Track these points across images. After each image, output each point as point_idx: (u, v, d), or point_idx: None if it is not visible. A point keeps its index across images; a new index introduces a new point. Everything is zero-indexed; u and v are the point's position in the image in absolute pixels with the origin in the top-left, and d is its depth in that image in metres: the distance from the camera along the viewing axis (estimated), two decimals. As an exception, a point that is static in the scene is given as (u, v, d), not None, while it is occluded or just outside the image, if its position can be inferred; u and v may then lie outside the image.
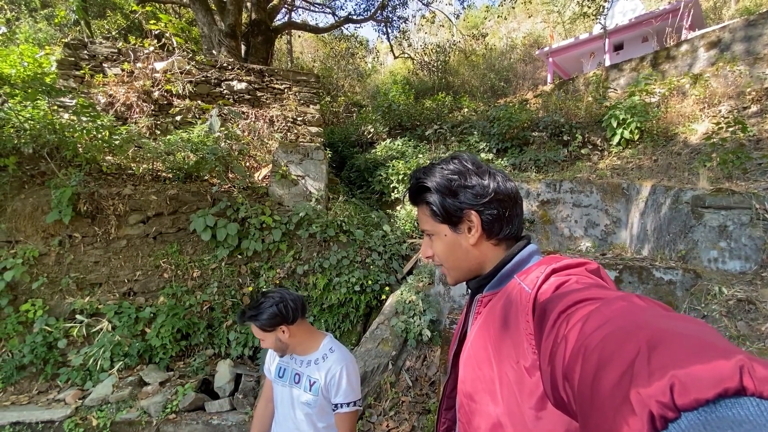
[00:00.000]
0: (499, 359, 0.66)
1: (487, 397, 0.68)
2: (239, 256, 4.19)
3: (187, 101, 5.67)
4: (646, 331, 0.37)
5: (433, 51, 13.71)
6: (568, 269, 0.64)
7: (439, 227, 0.79)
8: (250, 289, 4.07)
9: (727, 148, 4.38)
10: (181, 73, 5.71)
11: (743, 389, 0.29)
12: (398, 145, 7.59)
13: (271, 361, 1.62)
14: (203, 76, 5.92)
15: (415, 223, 5.66)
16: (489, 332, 0.70)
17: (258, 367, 3.73)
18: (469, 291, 0.86)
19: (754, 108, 5.31)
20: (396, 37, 12.61)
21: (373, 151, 7.79)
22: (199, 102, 5.79)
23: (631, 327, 0.40)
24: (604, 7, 10.89)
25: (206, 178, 4.72)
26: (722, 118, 5.08)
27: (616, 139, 6.02)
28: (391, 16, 11.86)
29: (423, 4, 12.36)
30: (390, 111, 8.71)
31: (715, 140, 4.54)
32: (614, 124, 5.99)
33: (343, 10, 12.36)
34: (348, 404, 1.41)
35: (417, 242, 5.15)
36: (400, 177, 6.37)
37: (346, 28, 13.19)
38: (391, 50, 12.94)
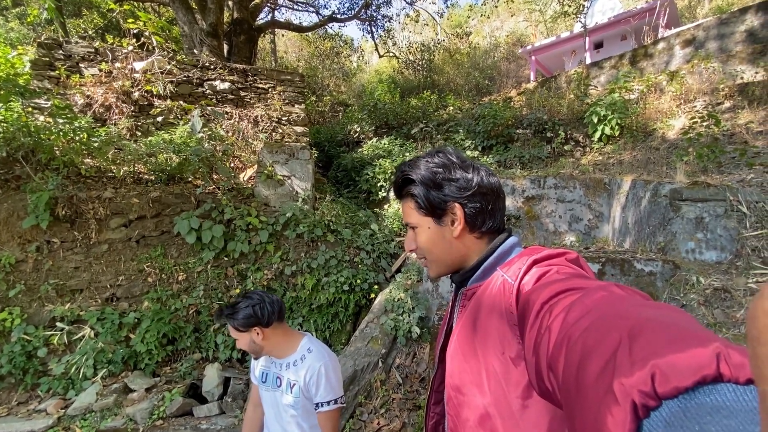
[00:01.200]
0: (485, 351, 0.67)
1: (474, 389, 0.69)
2: (225, 259, 4.14)
3: (169, 102, 5.56)
4: (626, 321, 0.38)
5: (418, 50, 13.76)
6: (549, 259, 0.65)
7: (423, 220, 0.80)
8: (237, 291, 4.03)
9: (702, 143, 4.52)
10: (162, 73, 5.59)
11: (720, 376, 0.29)
12: (385, 143, 7.60)
13: (256, 366, 1.61)
14: (185, 76, 5.81)
15: (403, 221, 5.68)
16: (474, 325, 0.71)
17: (247, 370, 3.70)
18: (454, 285, 0.87)
19: (727, 104, 5.50)
20: (381, 36, 12.61)
21: (360, 150, 7.78)
22: (181, 102, 5.68)
23: (612, 317, 0.41)
24: (584, 6, 11.11)
25: (190, 179, 4.64)
26: (697, 114, 5.24)
27: (598, 135, 6.15)
28: (375, 14, 11.84)
29: (407, 2, 12.38)
30: (376, 110, 8.71)
31: (691, 135, 4.68)
32: (595, 121, 6.12)
33: (327, 8, 12.29)
34: (328, 402, 1.41)
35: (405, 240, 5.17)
36: (387, 176, 6.38)
37: (330, 27, 13.13)
38: (376, 49, 12.93)
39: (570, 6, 11.03)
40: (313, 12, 12.12)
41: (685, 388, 0.30)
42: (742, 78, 5.97)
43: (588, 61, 11.96)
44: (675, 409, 0.30)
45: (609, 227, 4.56)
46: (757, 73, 5.88)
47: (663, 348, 0.33)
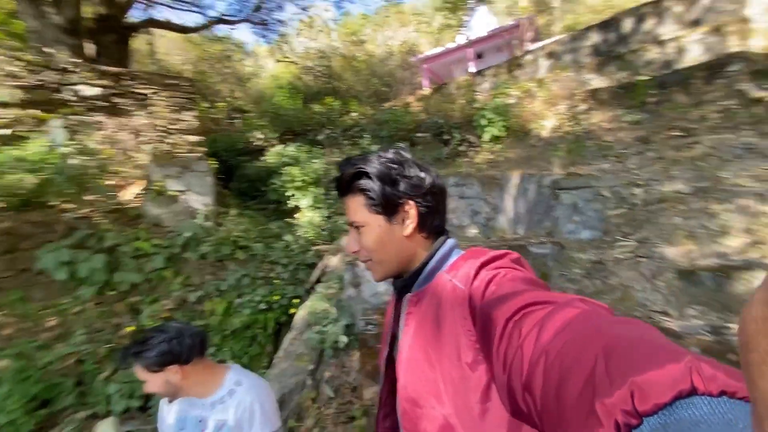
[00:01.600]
0: (440, 359, 0.66)
1: (432, 400, 0.67)
2: (112, 293, 3.53)
3: (17, 110, 4.55)
4: (600, 339, 0.39)
5: (316, 56, 13.66)
6: (495, 261, 0.67)
7: (373, 218, 0.76)
8: (131, 329, 3.46)
9: (569, 140, 5.34)
10: (4, 76, 4.55)
11: (694, 389, 0.30)
12: (291, 150, 7.35)
13: (168, 412, 1.38)
14: (38, 80, 4.82)
15: (321, 230, 5.54)
16: (425, 333, 0.70)
17: (151, 418, 3.20)
18: (395, 292, 0.85)
19: (583, 106, 6.58)
20: (276, 41, 12.19)
21: (264, 158, 7.40)
22: (36, 111, 4.70)
23: (585, 335, 0.41)
24: (464, 20, 12.29)
25: (54, 203, 3.86)
26: (562, 116, 6.17)
27: (487, 136, 6.83)
28: (267, 19, 11.41)
29: (300, 8, 12.20)
30: (278, 116, 8.38)
31: (560, 133, 5.49)
32: (483, 123, 6.78)
33: (213, 9, 11.43)
34: None
35: (322, 249, 5.05)
36: (297, 184, 6.17)
37: (219, 29, 12.26)
38: (272, 54, 12.48)
39: (452, 19, 12.12)
40: (197, 12, 11.16)
41: (663, 404, 0.31)
42: (591, 85, 7.21)
43: (472, 69, 13.24)
44: (656, 425, 0.30)
45: (504, 218, 5.08)
46: (602, 80, 7.17)
47: (639, 364, 0.34)
